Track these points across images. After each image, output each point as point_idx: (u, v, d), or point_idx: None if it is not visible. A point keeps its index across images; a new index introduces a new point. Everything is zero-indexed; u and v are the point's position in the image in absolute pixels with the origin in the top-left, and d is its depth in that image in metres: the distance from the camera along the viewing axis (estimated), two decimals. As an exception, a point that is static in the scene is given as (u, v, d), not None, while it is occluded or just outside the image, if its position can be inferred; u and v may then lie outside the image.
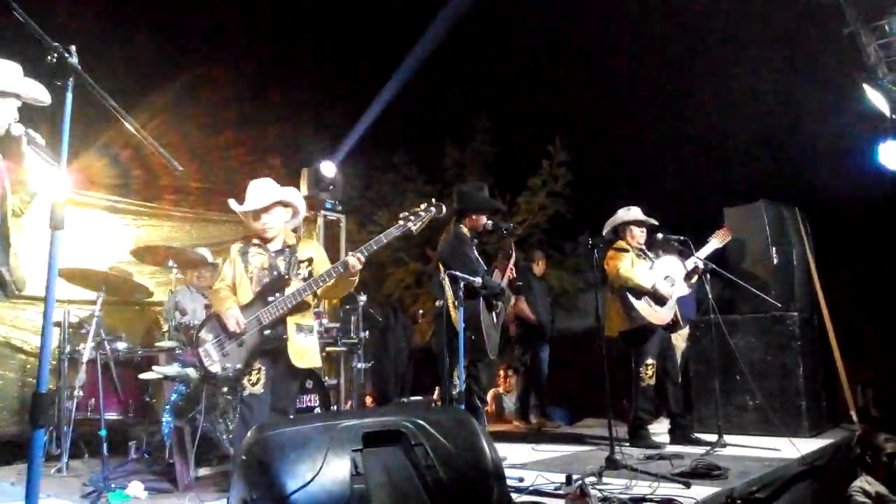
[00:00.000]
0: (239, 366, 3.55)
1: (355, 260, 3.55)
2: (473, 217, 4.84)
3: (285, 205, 3.79)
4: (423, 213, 3.67)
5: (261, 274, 3.67)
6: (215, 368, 3.56)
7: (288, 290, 3.61)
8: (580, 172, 9.39)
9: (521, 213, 9.53)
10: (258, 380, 3.57)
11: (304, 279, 3.69)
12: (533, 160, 9.64)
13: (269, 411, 3.58)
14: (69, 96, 1.81)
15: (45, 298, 1.80)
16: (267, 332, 3.57)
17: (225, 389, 4.26)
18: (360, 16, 8.96)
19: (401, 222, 3.68)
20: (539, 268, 7.47)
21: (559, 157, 9.46)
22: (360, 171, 9.53)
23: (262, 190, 3.73)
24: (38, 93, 2.74)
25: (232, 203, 3.74)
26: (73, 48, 1.82)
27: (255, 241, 3.75)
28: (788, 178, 7.17)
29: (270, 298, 3.59)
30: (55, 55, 1.80)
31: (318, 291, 3.70)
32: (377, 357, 7.67)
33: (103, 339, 4.54)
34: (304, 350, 3.64)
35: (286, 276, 3.65)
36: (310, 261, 3.75)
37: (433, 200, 3.75)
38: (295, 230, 4.03)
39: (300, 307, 3.62)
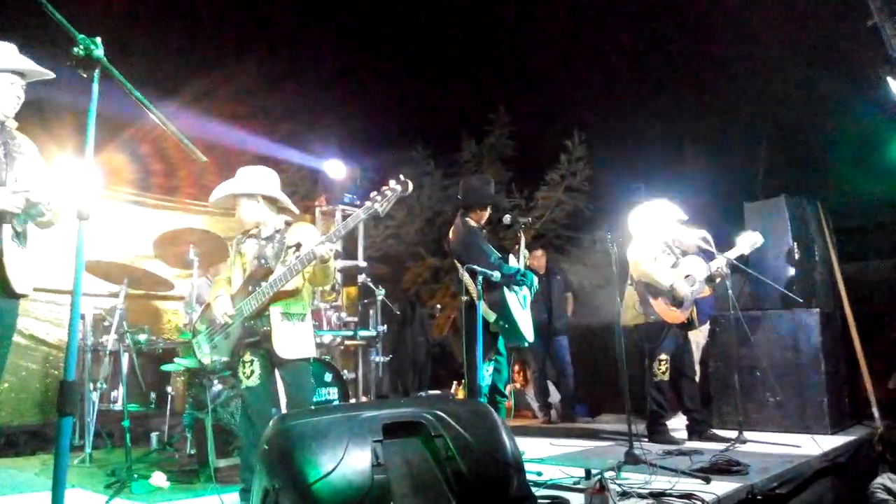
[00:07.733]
0: (225, 358, 3.55)
1: (325, 249, 3.36)
2: (479, 211, 4.85)
3: (249, 196, 3.61)
4: (388, 193, 3.45)
5: (252, 263, 3.55)
6: (205, 360, 3.64)
7: (270, 279, 3.45)
8: (598, 167, 9.33)
9: (538, 209, 9.49)
10: (252, 372, 3.49)
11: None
12: (551, 155, 9.59)
13: (267, 404, 3.52)
14: (95, 88, 1.80)
15: (72, 290, 1.81)
16: (249, 322, 3.48)
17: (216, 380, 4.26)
18: (379, 10, 8.94)
19: (367, 203, 3.48)
20: (536, 262, 7.32)
21: (577, 151, 9.39)
22: (376, 165, 9.53)
23: (238, 178, 3.64)
24: (41, 69, 2.67)
25: (227, 187, 3.63)
26: (98, 40, 1.79)
27: (252, 229, 3.67)
28: (811, 173, 7.08)
29: (252, 288, 3.49)
30: (82, 47, 1.78)
31: (307, 279, 3.56)
32: (395, 351, 7.70)
33: (126, 331, 4.59)
34: (291, 339, 3.48)
35: (266, 264, 3.50)
36: (298, 246, 3.53)
37: (400, 177, 3.50)
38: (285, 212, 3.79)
39: (284, 295, 3.45)
